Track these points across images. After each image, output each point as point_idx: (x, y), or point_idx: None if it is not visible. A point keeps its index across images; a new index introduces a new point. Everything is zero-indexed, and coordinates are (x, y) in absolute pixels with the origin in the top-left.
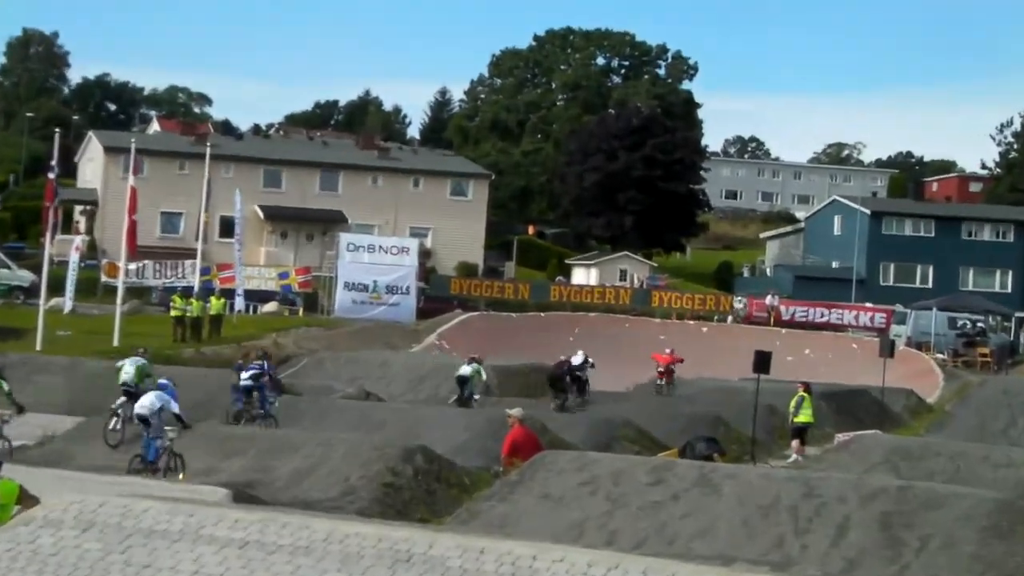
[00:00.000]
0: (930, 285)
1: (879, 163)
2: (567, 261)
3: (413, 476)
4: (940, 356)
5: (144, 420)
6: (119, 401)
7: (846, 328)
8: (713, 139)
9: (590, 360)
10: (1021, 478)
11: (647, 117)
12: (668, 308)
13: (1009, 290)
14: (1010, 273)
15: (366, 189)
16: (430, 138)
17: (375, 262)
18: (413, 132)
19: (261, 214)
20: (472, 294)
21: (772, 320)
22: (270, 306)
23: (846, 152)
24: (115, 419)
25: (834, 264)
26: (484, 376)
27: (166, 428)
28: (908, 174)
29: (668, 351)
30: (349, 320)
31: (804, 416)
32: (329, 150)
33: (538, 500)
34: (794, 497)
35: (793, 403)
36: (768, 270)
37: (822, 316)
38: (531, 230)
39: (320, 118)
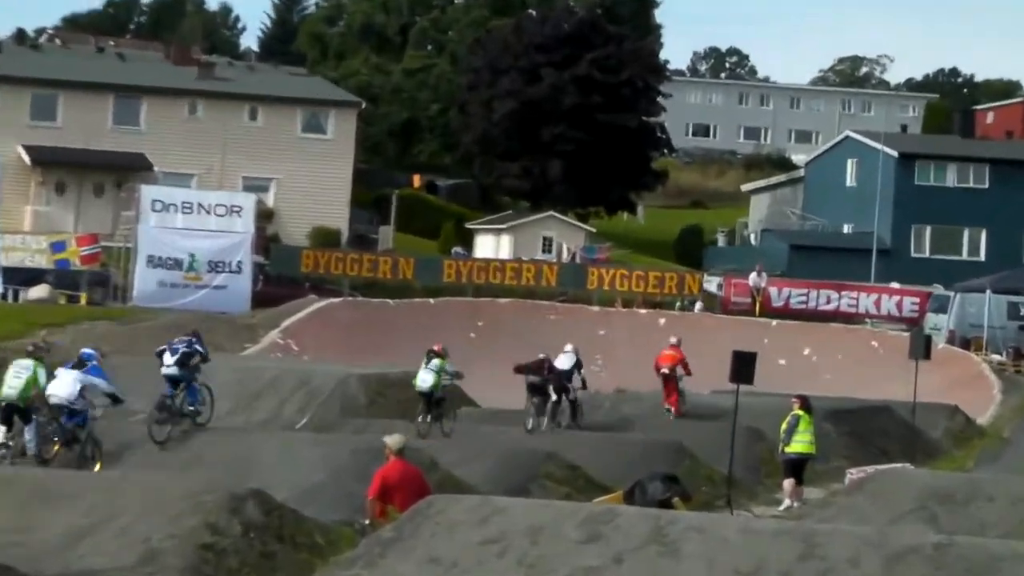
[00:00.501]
0: (982, 257)
1: (911, 85)
2: (468, 225)
3: (243, 534)
4: (997, 357)
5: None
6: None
7: (863, 318)
8: (676, 52)
9: (581, 365)
10: None
11: (583, 21)
12: (611, 291)
13: None
14: None
15: (180, 123)
16: (273, 50)
17: (193, 227)
18: (249, 42)
19: (27, 158)
20: (332, 272)
21: (758, 308)
22: (39, 290)
23: (865, 70)
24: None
25: (846, 228)
26: (450, 370)
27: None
28: (952, 100)
29: (673, 341)
30: (154, 310)
31: (800, 444)
32: (127, 66)
33: (422, 566)
34: (787, 560)
35: (785, 426)
36: (753, 237)
37: (829, 302)
38: (417, 181)
39: (114, 21)
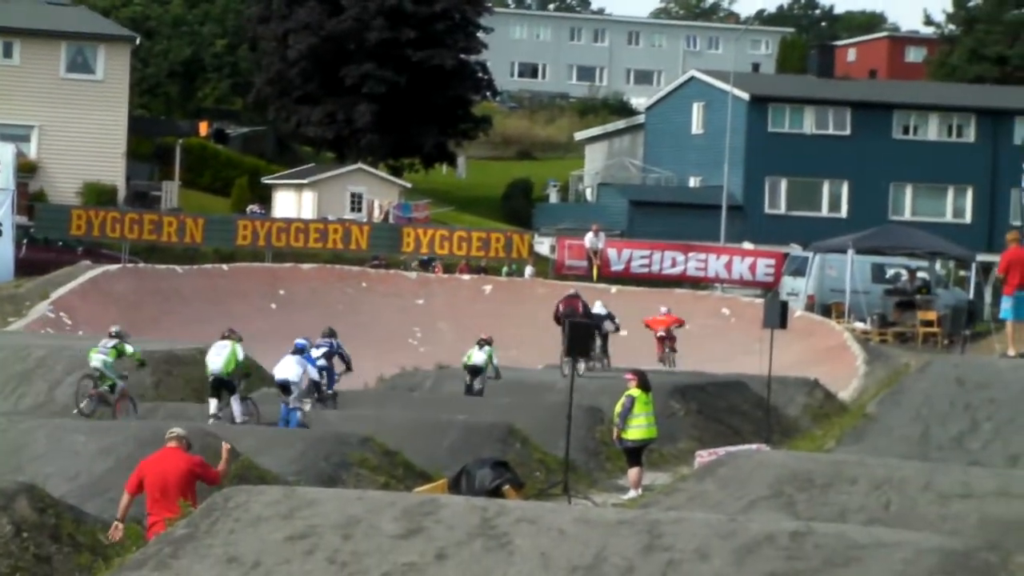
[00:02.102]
0: (843, 213)
1: (763, 18)
2: (265, 180)
3: (14, 534)
4: (860, 325)
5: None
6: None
7: (712, 283)
8: None
9: (613, 316)
10: (986, 515)
11: None
12: (430, 254)
13: (968, 219)
14: (969, 192)
15: None
16: None
17: None
18: None
19: None
20: (109, 235)
21: (596, 272)
22: None
23: (711, 1)
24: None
25: (693, 182)
26: (495, 361)
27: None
28: (809, 35)
29: (664, 311)
30: None
31: (637, 430)
32: None
33: (221, 566)
34: (629, 553)
35: (619, 408)
36: (589, 192)
37: (674, 265)
38: (204, 129)
39: None
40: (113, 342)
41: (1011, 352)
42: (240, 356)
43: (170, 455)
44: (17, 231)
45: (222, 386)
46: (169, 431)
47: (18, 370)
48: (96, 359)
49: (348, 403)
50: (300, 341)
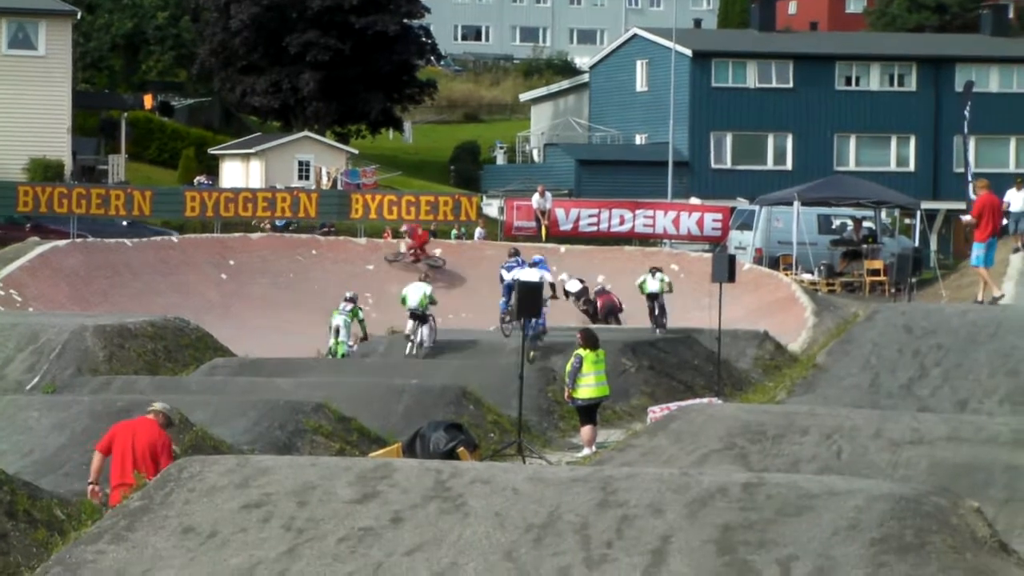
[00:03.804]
0: (788, 166)
1: None
2: (211, 151)
3: None
4: (808, 277)
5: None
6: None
7: (661, 239)
8: None
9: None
10: (936, 461)
11: None
12: (379, 220)
13: (912, 167)
14: (912, 141)
15: None
16: None
17: None
18: None
19: None
20: (56, 211)
21: (544, 233)
22: None
23: None
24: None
25: (638, 139)
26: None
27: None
28: None
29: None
30: None
31: (587, 388)
32: None
33: (177, 536)
34: (584, 509)
35: (568, 367)
36: (536, 153)
37: (622, 222)
38: (149, 102)
39: None
40: (350, 306)
41: (981, 298)
42: (429, 292)
43: (144, 425)
44: None
45: (417, 318)
46: (153, 403)
47: None
48: (338, 318)
49: (301, 371)
50: (537, 257)
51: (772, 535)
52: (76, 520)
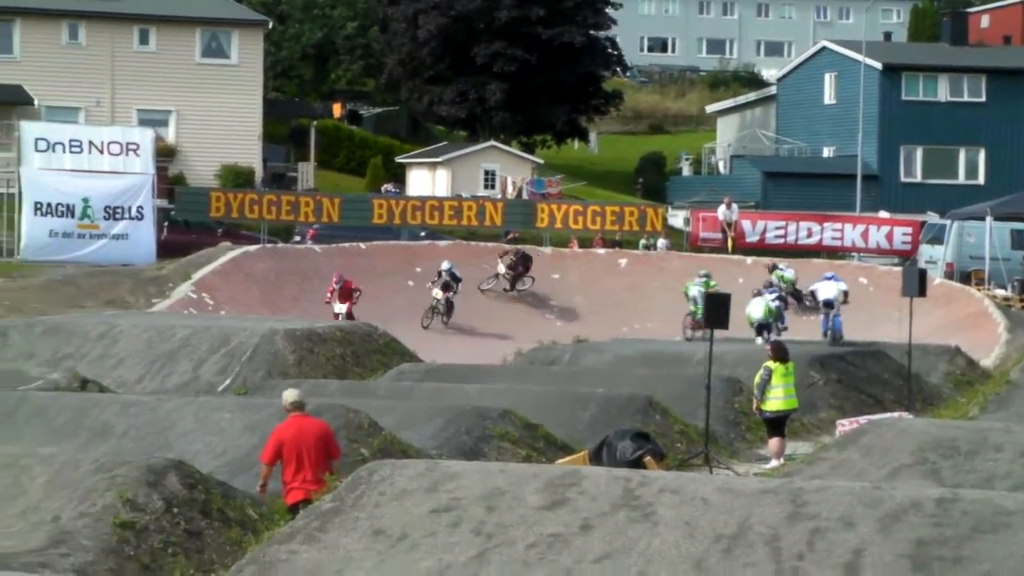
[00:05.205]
0: (981, 180)
1: None
2: (399, 159)
3: (165, 510)
4: (1001, 292)
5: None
6: None
7: (849, 252)
8: None
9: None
10: None
11: None
12: (564, 230)
13: None
14: None
15: (60, 49)
16: None
17: (84, 168)
18: None
19: None
20: (248, 216)
21: (731, 244)
22: None
23: None
24: None
25: (826, 152)
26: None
27: None
28: (941, 2)
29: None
30: (46, 264)
31: (776, 401)
32: None
33: (368, 539)
34: (774, 521)
35: (757, 379)
36: (722, 165)
37: (810, 235)
38: (338, 111)
39: None
40: (704, 279)
41: None
42: (773, 307)
43: (301, 421)
44: (158, 214)
45: (763, 328)
46: (288, 399)
47: (163, 350)
48: (693, 289)
49: (487, 377)
50: (829, 273)
51: (968, 552)
52: (268, 520)
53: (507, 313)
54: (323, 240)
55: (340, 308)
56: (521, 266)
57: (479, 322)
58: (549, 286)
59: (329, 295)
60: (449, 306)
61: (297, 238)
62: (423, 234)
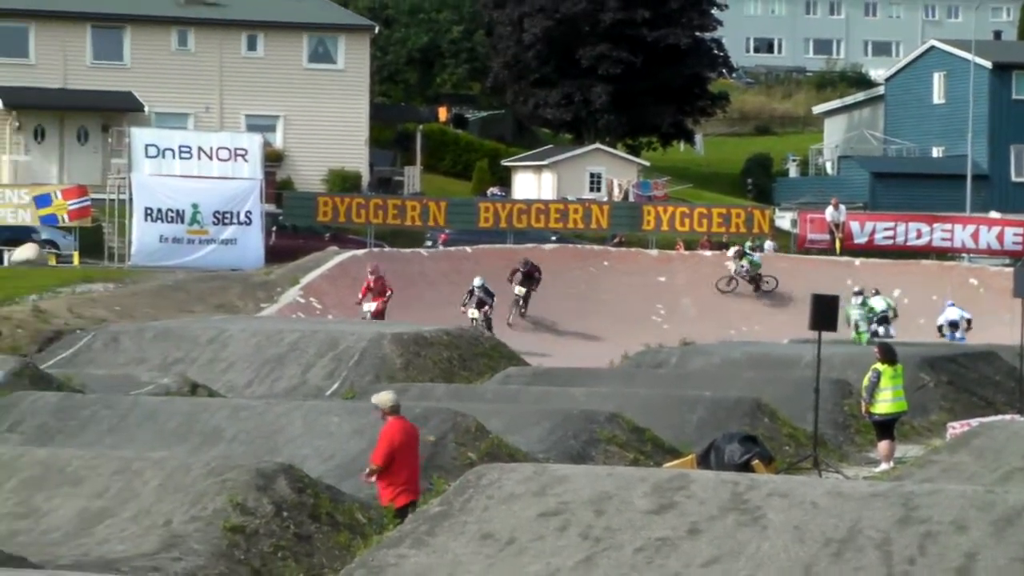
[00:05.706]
0: None
1: None
2: (504, 162)
3: (274, 514)
4: None
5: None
6: None
7: (959, 253)
8: None
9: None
10: None
11: None
12: (670, 232)
13: None
14: None
15: (169, 55)
16: None
17: (193, 173)
18: None
19: None
20: (355, 221)
21: (839, 246)
22: (25, 250)
23: None
24: None
25: (935, 152)
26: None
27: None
28: None
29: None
30: (156, 270)
31: (884, 404)
32: None
33: (476, 543)
34: (884, 524)
35: (866, 382)
36: (829, 165)
37: (919, 236)
38: (443, 115)
39: None
40: (861, 299)
41: None
42: (892, 303)
43: (404, 424)
44: (266, 219)
45: (884, 321)
46: (387, 402)
47: (272, 354)
48: (855, 312)
49: (593, 381)
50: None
51: None
52: (377, 524)
53: (607, 320)
54: (454, 244)
55: (370, 307)
56: (537, 272)
57: (590, 325)
58: (655, 288)
59: (361, 295)
60: (488, 322)
61: (428, 243)
62: (554, 238)
